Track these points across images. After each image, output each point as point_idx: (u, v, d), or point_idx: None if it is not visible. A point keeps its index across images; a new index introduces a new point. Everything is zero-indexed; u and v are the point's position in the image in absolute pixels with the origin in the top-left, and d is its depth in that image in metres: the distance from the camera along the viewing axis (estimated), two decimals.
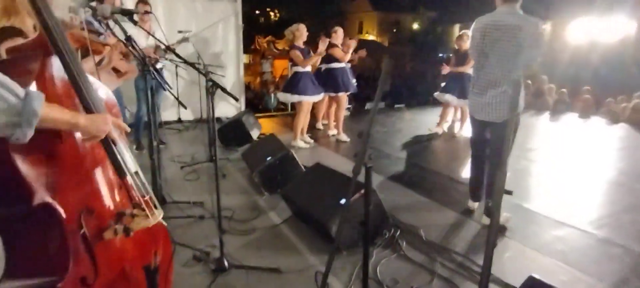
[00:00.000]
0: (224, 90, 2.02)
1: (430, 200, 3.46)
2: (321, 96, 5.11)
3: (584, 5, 10.85)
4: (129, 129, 1.31)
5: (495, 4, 2.75)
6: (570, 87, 9.15)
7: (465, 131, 5.65)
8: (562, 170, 4.48)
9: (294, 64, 4.93)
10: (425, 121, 6.91)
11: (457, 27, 21.99)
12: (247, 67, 13.08)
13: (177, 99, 2.61)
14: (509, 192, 1.06)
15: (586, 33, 10.42)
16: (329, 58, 5.26)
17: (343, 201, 2.46)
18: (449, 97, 5.62)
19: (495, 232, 1.03)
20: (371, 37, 30.57)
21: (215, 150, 2.40)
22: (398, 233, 2.72)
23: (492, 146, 2.89)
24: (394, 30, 30.58)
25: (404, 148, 5.27)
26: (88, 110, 1.20)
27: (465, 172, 4.24)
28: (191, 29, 6.14)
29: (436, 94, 5.93)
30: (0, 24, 1.58)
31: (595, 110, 8.20)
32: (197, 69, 2.26)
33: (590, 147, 5.77)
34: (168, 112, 6.31)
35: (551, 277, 2.32)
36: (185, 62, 2.32)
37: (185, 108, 2.58)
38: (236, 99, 2.12)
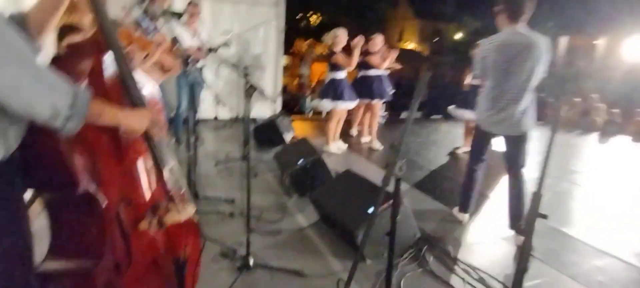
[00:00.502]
0: (260, 92, 2.07)
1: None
2: (355, 103, 5.10)
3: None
4: (167, 125, 1.38)
5: (500, 26, 2.82)
6: (623, 107, 8.61)
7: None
8: (608, 196, 4.22)
9: (332, 69, 4.93)
10: (461, 133, 6.73)
11: None
12: (285, 69, 13.33)
13: (217, 97, 2.69)
14: (544, 216, 1.02)
15: None
16: (365, 65, 5.25)
17: (371, 210, 2.45)
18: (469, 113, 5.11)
19: (526, 256, 1.00)
20: (411, 45, 30.13)
21: (248, 149, 2.47)
22: (425, 247, 2.67)
23: (508, 158, 2.97)
24: (435, 40, 29.99)
25: (437, 160, 5.16)
26: (133, 105, 1.27)
27: (498, 189, 4.10)
28: (234, 30, 6.35)
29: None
30: (61, 21, 1.71)
31: None
32: (236, 70, 2.32)
33: (635, 170, 5.41)
34: (206, 110, 6.52)
35: None
36: (225, 62, 2.39)
37: (224, 105, 2.66)
38: (273, 101, 2.16)
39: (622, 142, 7.37)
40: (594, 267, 2.65)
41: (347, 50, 5.12)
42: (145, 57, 2.29)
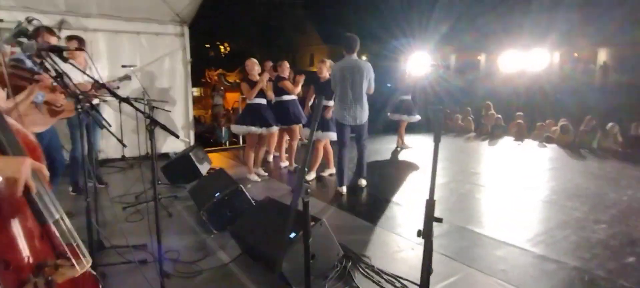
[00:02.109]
0: (163, 127, 1.96)
1: (382, 228, 3.51)
2: (273, 129, 5.10)
3: (510, 39, 11.97)
4: (47, 173, 1.22)
5: (345, 54, 4.37)
6: (504, 112, 9.88)
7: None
8: (502, 192, 4.75)
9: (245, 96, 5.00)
10: (378, 149, 7.10)
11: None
12: (197, 100, 12.84)
13: (115, 136, 2.48)
14: (439, 220, 1.11)
15: (515, 64, 11.42)
16: (279, 91, 5.32)
17: (293, 235, 2.43)
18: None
19: (428, 259, 1.06)
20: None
21: (154, 188, 2.29)
22: (350, 264, 2.71)
23: (357, 138, 4.54)
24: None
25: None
26: (3, 152, 1.11)
27: (414, 198, 4.39)
28: (136, 63, 5.97)
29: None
30: None
31: (527, 133, 8.88)
32: (133, 105, 2.17)
33: (525, 168, 6.20)
34: (112, 150, 5.98)
35: None
36: (119, 98, 2.22)
37: (125, 146, 2.46)
38: (176, 136, 2.05)
39: (507, 142, 8.42)
40: (497, 257, 2.94)
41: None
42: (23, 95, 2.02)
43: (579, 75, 19.73)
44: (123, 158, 6.06)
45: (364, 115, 4.39)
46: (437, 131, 1.24)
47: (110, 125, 2.45)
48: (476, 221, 3.69)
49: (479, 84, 15.91)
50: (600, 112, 8.94)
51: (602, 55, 20.90)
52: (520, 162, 6.72)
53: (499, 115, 9.62)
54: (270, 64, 6.14)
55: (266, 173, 5.27)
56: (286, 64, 5.46)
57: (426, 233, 1.09)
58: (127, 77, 4.35)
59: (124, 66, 5.20)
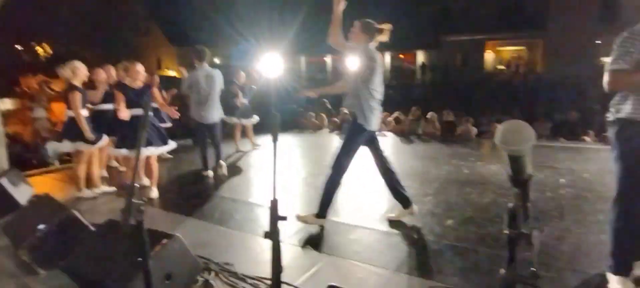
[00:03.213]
0: None
1: (243, 231, 3.45)
2: (105, 141, 4.50)
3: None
4: None
5: (197, 64, 5.14)
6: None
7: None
8: (353, 180, 5.21)
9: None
10: (230, 152, 6.98)
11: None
12: (10, 115, 10.54)
13: None
14: (283, 218, 1.13)
15: (356, 63, 12.74)
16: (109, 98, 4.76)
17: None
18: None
19: (277, 259, 1.08)
20: (172, 73, 29.27)
21: None
22: (211, 275, 2.59)
23: (212, 135, 5.29)
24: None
25: (198, 183, 5.14)
26: None
27: (264, 193, 4.45)
28: None
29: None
30: None
31: None
32: None
33: (369, 156, 6.96)
34: None
35: (350, 277, 2.64)
36: None
37: None
38: None
39: None
40: (351, 240, 3.22)
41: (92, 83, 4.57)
42: None
43: (405, 73, 23.22)
44: None
45: (216, 114, 5.27)
46: (274, 133, 1.27)
47: None
48: (332, 211, 3.95)
49: (327, 82, 17.22)
50: (422, 103, 10.71)
51: (420, 57, 25.11)
52: (366, 151, 7.51)
53: (347, 111, 10.58)
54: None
55: (110, 188, 4.65)
56: (138, 67, 4.74)
57: (272, 234, 1.10)
58: None
59: None
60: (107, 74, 4.96)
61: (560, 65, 18.66)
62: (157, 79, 6.24)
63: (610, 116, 2.31)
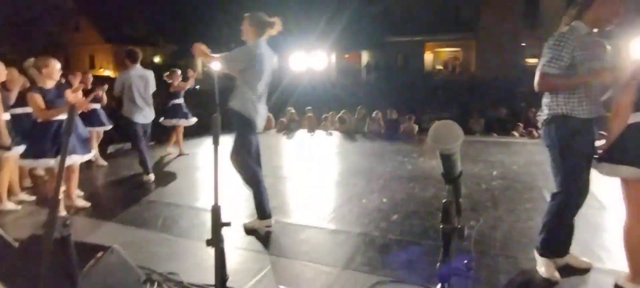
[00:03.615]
0: None
1: (187, 238, 3.31)
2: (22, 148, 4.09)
3: (298, 43, 13.35)
4: None
5: (129, 64, 5.15)
6: (297, 108, 10.92)
7: None
8: (301, 180, 5.25)
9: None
10: (167, 158, 6.69)
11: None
12: None
13: None
14: (227, 224, 1.10)
15: (301, 63, 12.76)
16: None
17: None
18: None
19: (220, 267, 1.04)
20: (107, 72, 27.43)
21: None
22: (155, 286, 2.45)
23: (145, 133, 5.27)
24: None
25: (139, 188, 4.87)
26: None
27: (211, 197, 4.32)
28: None
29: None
30: None
31: (317, 125, 10.10)
32: None
33: (317, 155, 7.04)
34: None
35: (300, 277, 2.63)
36: None
37: None
38: None
39: (301, 135, 9.36)
40: (300, 241, 3.21)
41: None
42: None
43: (350, 73, 23.69)
44: None
45: (152, 114, 5.34)
46: (215, 136, 1.23)
47: None
48: (281, 212, 3.93)
49: (274, 82, 17.05)
50: (367, 102, 11.00)
51: (365, 57, 25.80)
52: (313, 150, 7.58)
53: (293, 110, 10.58)
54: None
55: (32, 198, 4.25)
56: (53, 64, 4.35)
57: (215, 241, 1.06)
58: None
59: None
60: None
61: (491, 65, 20.15)
62: (90, 78, 5.81)
63: (545, 114, 2.41)
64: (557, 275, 2.46)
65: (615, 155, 2.21)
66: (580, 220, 2.55)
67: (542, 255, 2.52)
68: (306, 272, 2.68)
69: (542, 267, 2.50)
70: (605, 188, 3.71)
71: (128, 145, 7.03)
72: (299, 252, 2.98)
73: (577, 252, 2.60)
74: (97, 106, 5.77)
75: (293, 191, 4.76)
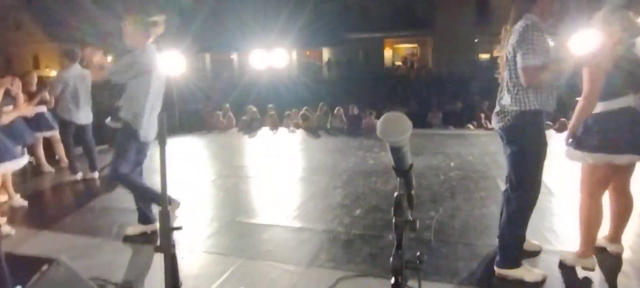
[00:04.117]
0: None
1: (141, 244, 3.16)
2: None
3: (258, 41, 13.19)
4: None
5: (68, 64, 5.08)
6: (259, 106, 10.78)
7: None
8: (264, 179, 5.17)
9: None
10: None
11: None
12: None
13: None
14: (178, 228, 1.05)
15: (262, 61, 12.61)
16: None
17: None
18: None
19: (171, 273, 0.99)
20: (53, 72, 25.74)
21: None
22: None
23: (84, 135, 5.21)
24: (84, 64, 26.95)
25: (97, 195, 4.61)
26: None
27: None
28: None
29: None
30: None
31: (279, 122, 10.01)
32: None
33: (280, 153, 6.97)
34: None
35: (263, 278, 2.59)
36: None
37: None
38: None
39: (263, 133, 9.25)
40: (262, 240, 3.16)
41: None
42: None
43: (311, 70, 23.69)
44: None
45: (89, 115, 5.19)
46: (161, 136, 1.18)
47: None
48: (244, 212, 3.86)
49: (234, 81, 16.76)
50: (329, 98, 11.04)
51: (326, 54, 25.92)
52: (276, 149, 7.50)
53: (255, 109, 10.42)
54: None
55: None
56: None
57: (164, 246, 1.01)
58: None
59: None
60: None
61: (447, 61, 20.89)
62: (34, 79, 5.40)
63: (514, 110, 2.28)
64: (539, 271, 2.42)
65: (590, 143, 2.32)
66: None
67: (516, 266, 2.40)
68: (270, 272, 2.64)
69: (525, 275, 2.37)
70: (555, 176, 3.98)
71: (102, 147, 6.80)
72: (263, 252, 2.94)
73: (529, 236, 2.73)
74: (43, 109, 5.41)
75: (256, 190, 4.68)
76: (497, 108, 2.43)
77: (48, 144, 5.71)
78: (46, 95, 5.36)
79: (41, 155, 5.58)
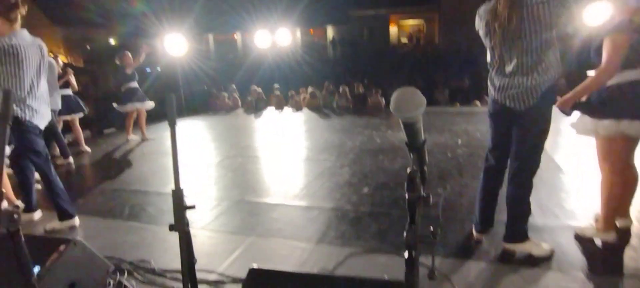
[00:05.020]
0: None
1: (157, 225, 3.23)
2: None
3: (261, 20, 13.01)
4: None
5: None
6: (264, 86, 10.75)
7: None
8: (270, 158, 5.21)
9: None
10: (125, 145, 6.45)
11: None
12: None
13: None
14: (192, 207, 1.07)
15: (266, 41, 12.50)
16: None
17: (37, 269, 1.91)
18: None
19: (187, 250, 1.02)
20: (58, 58, 25.71)
21: None
22: (125, 276, 2.39)
23: (53, 127, 4.88)
24: (88, 47, 26.86)
25: (107, 178, 4.69)
26: None
27: (166, 180, 4.24)
28: None
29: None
30: None
31: (285, 102, 10.00)
32: None
33: (286, 133, 6.99)
34: None
35: (274, 255, 2.64)
36: None
37: None
38: None
39: (269, 113, 9.26)
40: (271, 219, 3.21)
41: None
42: None
43: (316, 49, 23.43)
44: None
45: (56, 103, 4.92)
46: (171, 117, 1.19)
47: None
48: (252, 191, 3.90)
49: (239, 61, 16.65)
50: (334, 77, 10.97)
51: (330, 32, 25.57)
52: (282, 128, 7.52)
53: (260, 89, 10.40)
54: None
55: None
56: None
57: (178, 225, 1.03)
58: None
59: None
60: None
61: (453, 37, 20.50)
62: (60, 63, 5.54)
63: (544, 86, 2.14)
64: (547, 245, 2.41)
65: (610, 111, 2.26)
66: (539, 181, 2.68)
67: (524, 240, 2.40)
68: (280, 249, 2.69)
69: (533, 249, 2.38)
70: (564, 154, 3.96)
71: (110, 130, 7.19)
72: (272, 230, 2.98)
73: (546, 212, 2.72)
74: (69, 92, 5.52)
75: (264, 170, 4.72)
76: (508, 82, 2.25)
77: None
78: (71, 78, 5.41)
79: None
